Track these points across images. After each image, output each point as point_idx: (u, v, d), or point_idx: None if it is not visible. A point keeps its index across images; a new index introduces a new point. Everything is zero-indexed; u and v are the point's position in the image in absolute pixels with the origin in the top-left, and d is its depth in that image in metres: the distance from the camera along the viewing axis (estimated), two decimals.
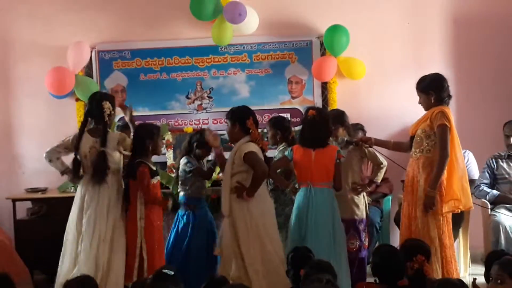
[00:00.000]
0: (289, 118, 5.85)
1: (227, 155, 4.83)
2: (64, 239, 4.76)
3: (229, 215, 4.58)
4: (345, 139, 4.93)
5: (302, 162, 4.62)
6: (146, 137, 4.73)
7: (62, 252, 4.75)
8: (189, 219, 5.05)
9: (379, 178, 5.03)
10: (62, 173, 4.86)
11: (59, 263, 4.74)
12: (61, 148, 4.79)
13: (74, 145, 4.74)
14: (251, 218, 4.52)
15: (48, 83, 6.13)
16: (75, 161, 4.73)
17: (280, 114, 5.53)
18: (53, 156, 4.78)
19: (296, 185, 4.83)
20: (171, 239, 5.11)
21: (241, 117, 4.65)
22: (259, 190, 4.55)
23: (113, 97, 4.93)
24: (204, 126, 6.09)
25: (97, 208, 4.64)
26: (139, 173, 4.64)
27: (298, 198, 4.65)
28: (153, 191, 4.70)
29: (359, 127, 5.88)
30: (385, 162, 4.99)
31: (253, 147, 4.57)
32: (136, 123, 5.06)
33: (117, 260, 4.63)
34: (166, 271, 3.39)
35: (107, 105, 4.72)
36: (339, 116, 5.02)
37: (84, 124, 4.80)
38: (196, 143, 5.11)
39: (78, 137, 4.74)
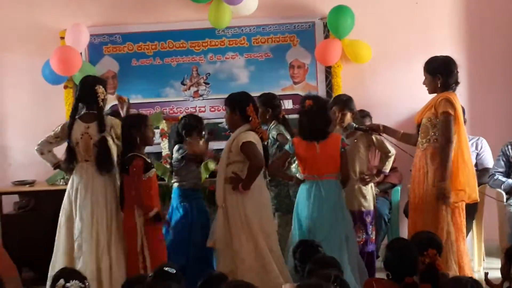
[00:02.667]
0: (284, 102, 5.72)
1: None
2: (57, 234, 4.63)
3: (222, 205, 4.47)
4: (354, 125, 4.81)
5: (306, 156, 4.50)
6: (132, 128, 4.54)
7: (54, 250, 4.62)
8: (186, 211, 4.92)
9: (388, 167, 4.93)
10: (55, 166, 4.77)
11: (52, 261, 4.59)
12: (52, 138, 4.68)
13: (66, 133, 4.61)
14: (245, 211, 4.43)
15: (54, 62, 5.87)
16: (69, 149, 4.60)
17: (271, 92, 5.44)
18: (44, 148, 4.69)
19: (299, 176, 4.69)
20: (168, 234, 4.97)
21: (241, 104, 4.53)
22: (256, 181, 4.45)
23: (105, 81, 4.84)
24: (200, 114, 5.93)
25: (93, 199, 4.50)
26: (132, 167, 4.44)
27: (303, 191, 4.52)
28: (148, 193, 4.45)
29: (365, 113, 5.77)
30: (393, 151, 4.89)
31: (252, 137, 4.45)
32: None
33: (118, 260, 4.50)
34: (167, 269, 3.30)
35: (100, 89, 4.60)
36: (348, 101, 4.92)
37: (75, 110, 4.66)
38: (184, 130, 5.01)
39: (70, 124, 4.61)
